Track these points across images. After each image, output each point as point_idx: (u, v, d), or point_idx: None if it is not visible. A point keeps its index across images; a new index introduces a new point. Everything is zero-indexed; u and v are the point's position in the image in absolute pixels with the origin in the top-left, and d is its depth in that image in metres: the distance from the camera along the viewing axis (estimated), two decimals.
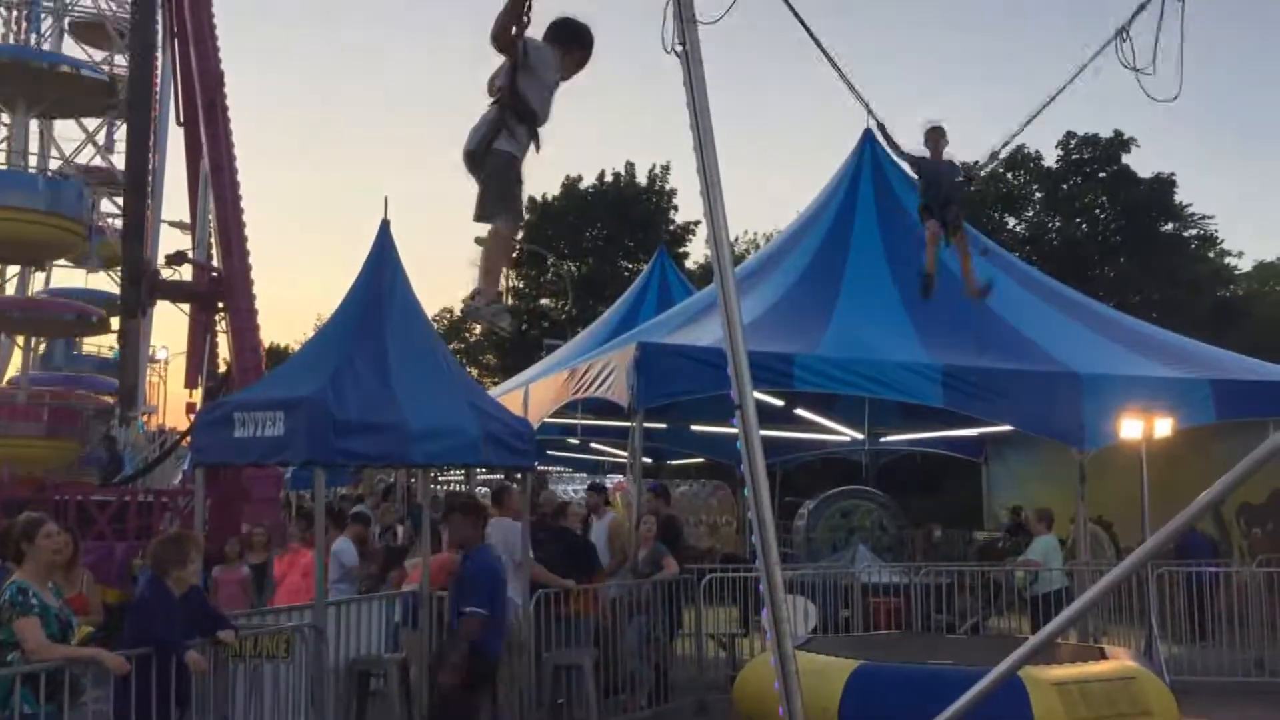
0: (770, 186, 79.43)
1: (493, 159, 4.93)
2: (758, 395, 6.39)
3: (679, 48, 5.00)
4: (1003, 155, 9.93)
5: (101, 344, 37.42)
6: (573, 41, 5.14)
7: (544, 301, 41.14)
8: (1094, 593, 7.19)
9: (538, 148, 5.20)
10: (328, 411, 7.19)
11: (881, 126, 10.10)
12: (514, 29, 4.83)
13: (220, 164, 16.27)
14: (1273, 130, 72.47)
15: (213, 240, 16.67)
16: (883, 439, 18.30)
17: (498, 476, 12.78)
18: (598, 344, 16.59)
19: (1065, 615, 6.89)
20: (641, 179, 41.17)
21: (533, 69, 4.93)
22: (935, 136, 9.82)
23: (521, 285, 41.95)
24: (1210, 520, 14.78)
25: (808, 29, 6.87)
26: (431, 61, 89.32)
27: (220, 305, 15.96)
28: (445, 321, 44.51)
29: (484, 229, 5.24)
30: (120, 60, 31.80)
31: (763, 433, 6.32)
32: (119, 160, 29.66)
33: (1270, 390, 12.91)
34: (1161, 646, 11.26)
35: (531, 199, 40.90)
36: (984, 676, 6.25)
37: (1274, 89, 70.96)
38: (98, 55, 34.49)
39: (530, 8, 4.83)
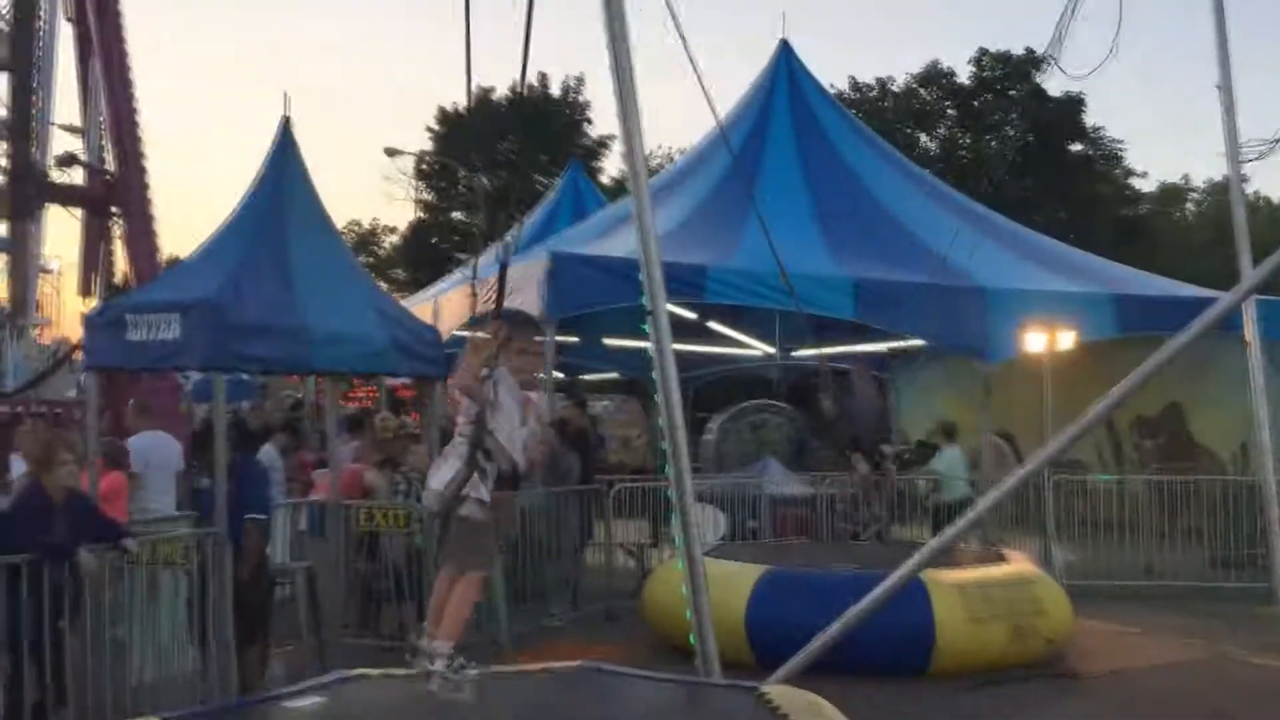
0: (685, 100, 78.78)
1: (460, 525, 4.68)
2: (670, 307, 6.33)
3: None
4: None
5: None
6: (528, 327, 5.34)
7: (455, 215, 40.48)
8: (993, 498, 7.40)
9: (517, 487, 5.07)
10: (225, 314, 6.92)
11: None
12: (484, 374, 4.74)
13: (112, 63, 15.49)
14: (1187, 52, 73.93)
15: (105, 143, 15.89)
16: (793, 353, 18.40)
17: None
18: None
19: (966, 520, 7.09)
20: (556, 90, 40.42)
21: (501, 406, 4.78)
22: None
23: (433, 198, 41.20)
24: (1104, 430, 15.20)
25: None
26: None
27: (115, 210, 15.31)
28: (353, 234, 43.62)
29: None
30: None
31: (675, 346, 6.29)
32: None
33: (1171, 305, 13.20)
34: (1057, 552, 11.62)
35: (443, 109, 40.01)
36: (887, 579, 6.41)
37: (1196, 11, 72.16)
38: None
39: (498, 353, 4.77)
